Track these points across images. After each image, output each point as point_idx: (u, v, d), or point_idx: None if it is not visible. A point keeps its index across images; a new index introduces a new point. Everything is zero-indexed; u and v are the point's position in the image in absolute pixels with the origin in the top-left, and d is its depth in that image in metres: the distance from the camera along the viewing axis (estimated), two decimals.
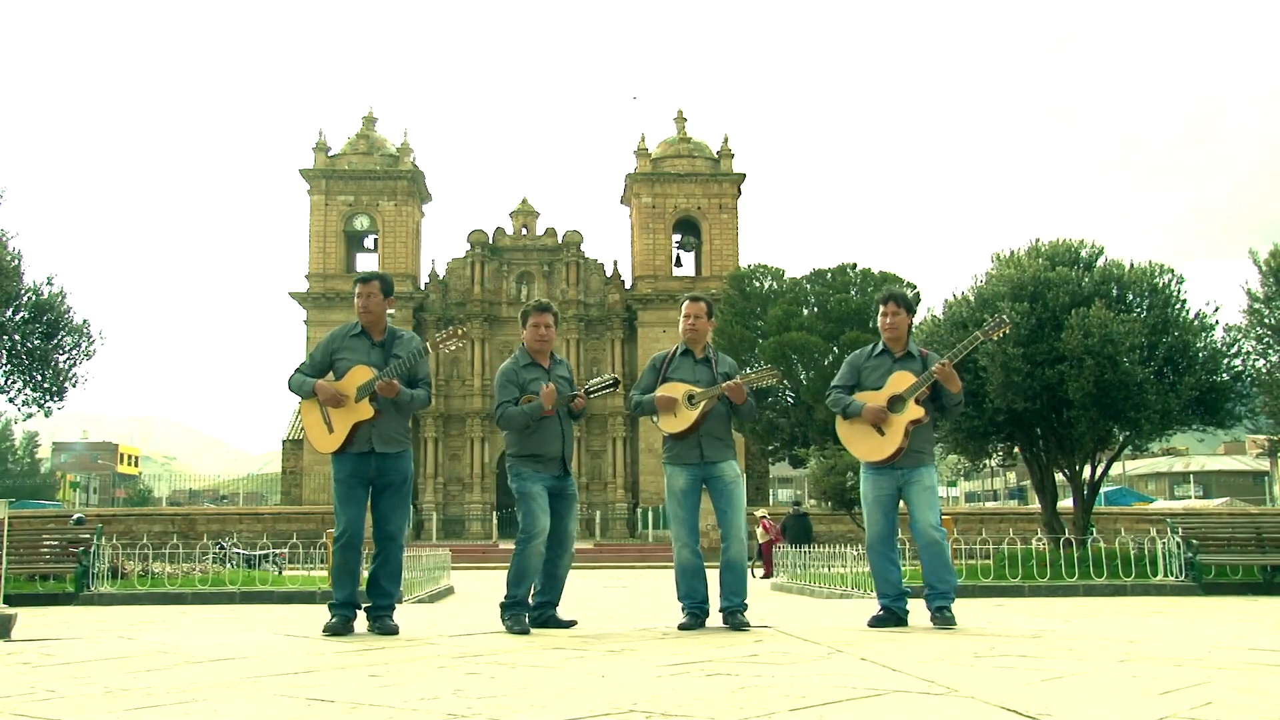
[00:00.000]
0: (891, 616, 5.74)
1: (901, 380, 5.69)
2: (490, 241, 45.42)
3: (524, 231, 46.22)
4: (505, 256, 45.56)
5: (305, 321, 43.27)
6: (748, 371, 5.85)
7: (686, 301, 5.99)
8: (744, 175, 45.45)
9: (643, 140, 45.72)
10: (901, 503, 5.88)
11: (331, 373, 5.55)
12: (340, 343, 5.61)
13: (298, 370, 5.64)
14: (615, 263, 46.28)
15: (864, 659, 3.94)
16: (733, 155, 45.72)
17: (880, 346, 5.98)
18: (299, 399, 5.63)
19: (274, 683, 3.43)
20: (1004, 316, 5.93)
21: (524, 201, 46.68)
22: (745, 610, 5.60)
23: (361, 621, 5.54)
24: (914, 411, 5.63)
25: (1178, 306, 14.52)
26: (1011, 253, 15.82)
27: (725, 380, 5.66)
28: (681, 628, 5.57)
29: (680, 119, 46.59)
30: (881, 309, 5.94)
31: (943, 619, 5.58)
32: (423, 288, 45.19)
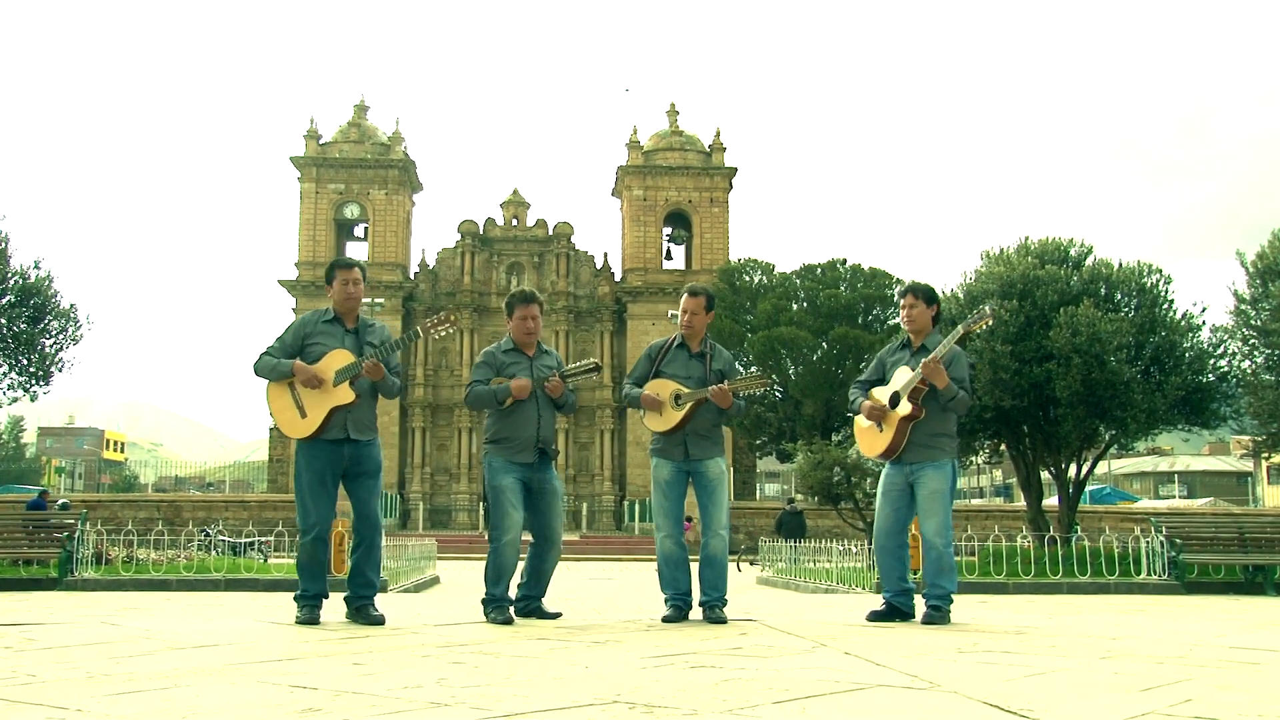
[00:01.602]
0: (894, 612, 5.70)
1: (901, 376, 5.68)
2: (481, 232, 45.31)
3: (514, 222, 46.10)
4: (495, 247, 45.46)
5: (294, 309, 43.09)
6: (736, 379, 5.76)
7: (685, 295, 5.89)
8: (735, 169, 45.27)
9: (635, 132, 45.61)
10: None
11: (300, 358, 5.35)
12: (313, 328, 5.45)
13: (265, 353, 5.41)
14: (605, 255, 46.26)
15: (848, 653, 3.95)
16: (724, 149, 45.61)
17: (904, 339, 5.97)
18: (266, 382, 5.39)
19: (257, 669, 3.42)
20: (985, 309, 5.91)
21: (515, 192, 46.54)
22: (724, 606, 5.59)
23: (334, 609, 5.50)
24: (904, 408, 5.60)
25: (1165, 306, 14.60)
26: (1001, 250, 15.88)
27: (719, 376, 5.61)
28: (665, 620, 5.57)
29: (672, 112, 46.50)
30: (901, 301, 5.92)
31: (927, 618, 5.58)
32: (412, 277, 45.06)
